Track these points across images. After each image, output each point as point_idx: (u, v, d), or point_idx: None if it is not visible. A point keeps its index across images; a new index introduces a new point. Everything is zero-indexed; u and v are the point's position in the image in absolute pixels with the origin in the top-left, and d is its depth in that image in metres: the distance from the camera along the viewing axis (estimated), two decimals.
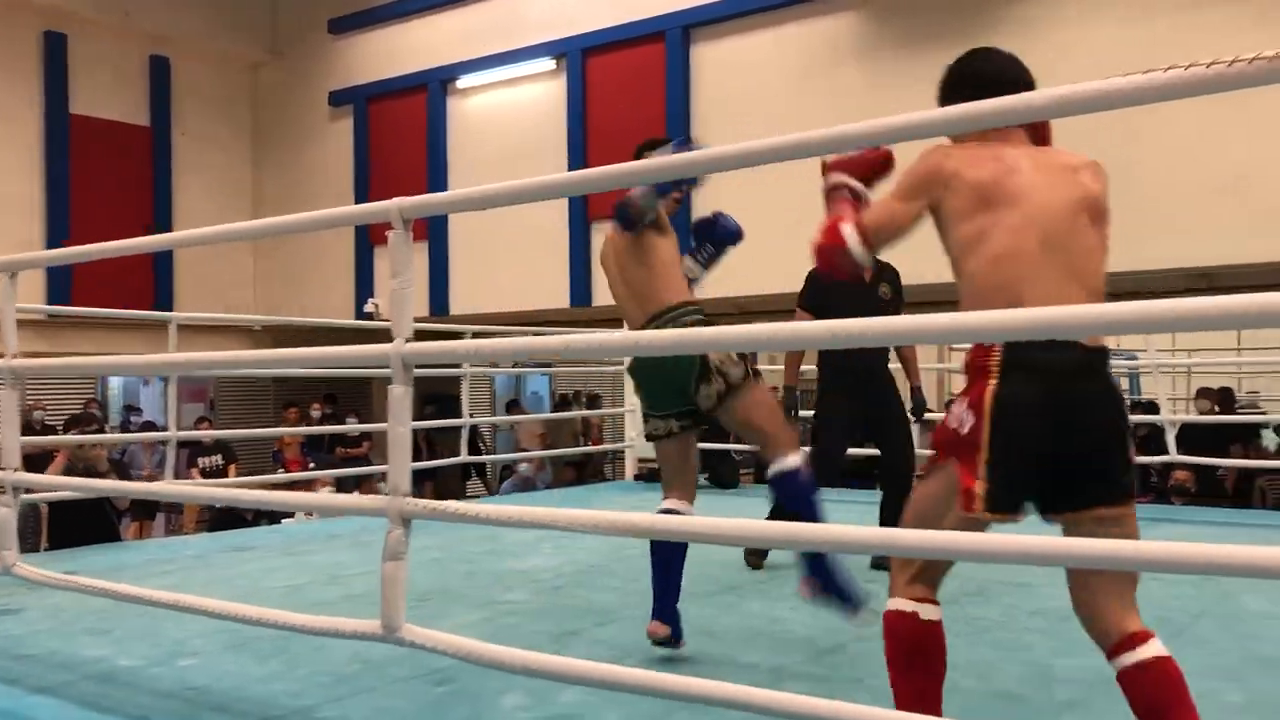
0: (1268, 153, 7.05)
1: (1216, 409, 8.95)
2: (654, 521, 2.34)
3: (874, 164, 2.33)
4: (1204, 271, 7.52)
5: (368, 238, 12.06)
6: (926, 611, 2.11)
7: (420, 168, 11.86)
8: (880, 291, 4.62)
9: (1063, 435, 2.00)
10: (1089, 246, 2.09)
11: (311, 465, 10.64)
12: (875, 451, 10.16)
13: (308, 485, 9.03)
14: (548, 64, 11.14)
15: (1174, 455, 6.54)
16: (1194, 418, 8.53)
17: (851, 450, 10.39)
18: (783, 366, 5.02)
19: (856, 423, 4.73)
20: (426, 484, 10.96)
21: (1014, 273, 2.03)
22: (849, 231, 2.14)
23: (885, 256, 4.25)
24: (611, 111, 10.60)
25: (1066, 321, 1.69)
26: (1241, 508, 7.92)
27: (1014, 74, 2.21)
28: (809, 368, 5.04)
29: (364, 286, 12.33)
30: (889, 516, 4.51)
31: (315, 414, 11.87)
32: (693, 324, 3.18)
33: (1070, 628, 2.22)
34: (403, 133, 12.15)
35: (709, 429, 3.52)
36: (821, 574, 2.99)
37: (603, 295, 10.42)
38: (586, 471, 12.24)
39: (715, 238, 3.51)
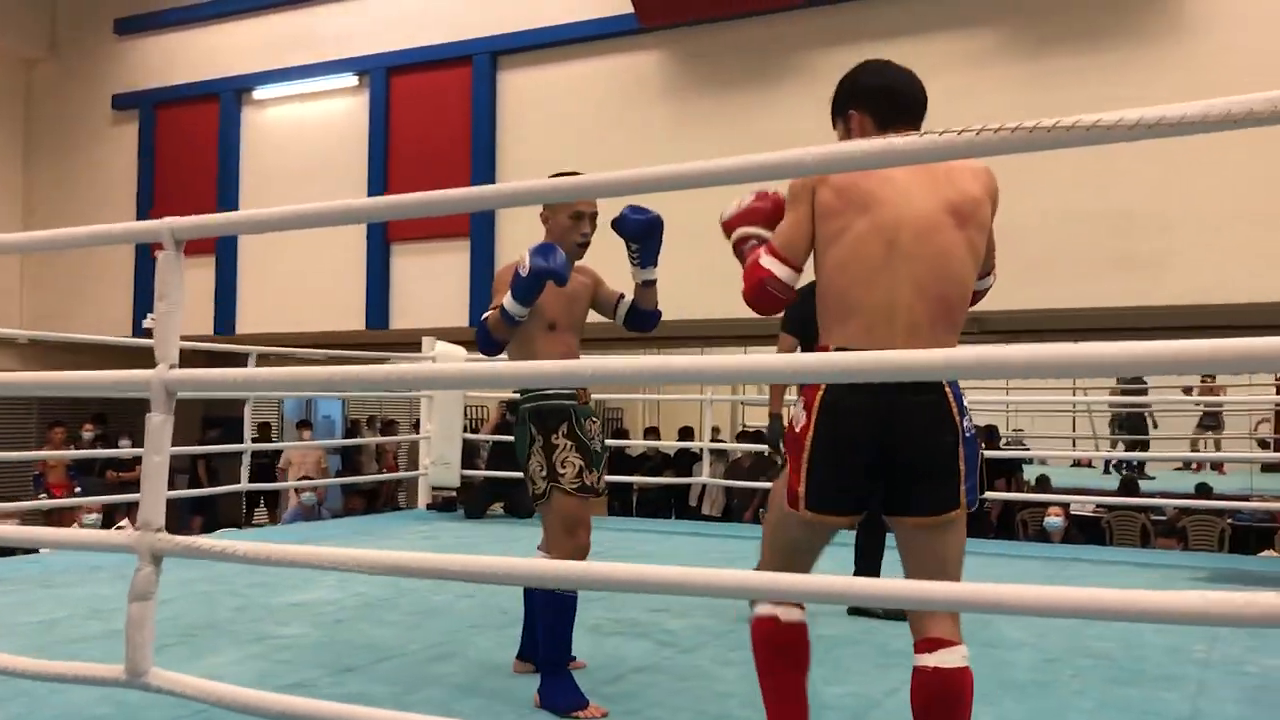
0: (1036, 208, 7.57)
1: (981, 445, 9.51)
2: (419, 560, 2.23)
3: (771, 211, 2.28)
4: (975, 317, 8.01)
5: (149, 249, 11.41)
6: (786, 614, 2.19)
7: (210, 179, 11.33)
8: None
9: (887, 442, 2.06)
10: (945, 252, 2.09)
11: (78, 490, 9.97)
12: (674, 480, 10.20)
13: (72, 511, 8.45)
14: (350, 80, 10.89)
15: None
16: None
17: (648, 480, 10.46)
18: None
19: None
20: (202, 513, 10.43)
21: (853, 281, 2.09)
22: (767, 260, 2.16)
23: None
24: (415, 132, 10.44)
25: (868, 366, 1.72)
26: (1005, 539, 8.47)
27: (905, 88, 2.20)
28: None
29: (144, 300, 11.64)
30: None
31: (87, 435, 11.14)
32: (526, 412, 3.16)
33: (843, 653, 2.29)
34: (193, 142, 11.59)
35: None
36: (545, 689, 3.04)
37: (400, 318, 10.24)
38: (378, 500, 11.91)
39: (627, 235, 3.14)
